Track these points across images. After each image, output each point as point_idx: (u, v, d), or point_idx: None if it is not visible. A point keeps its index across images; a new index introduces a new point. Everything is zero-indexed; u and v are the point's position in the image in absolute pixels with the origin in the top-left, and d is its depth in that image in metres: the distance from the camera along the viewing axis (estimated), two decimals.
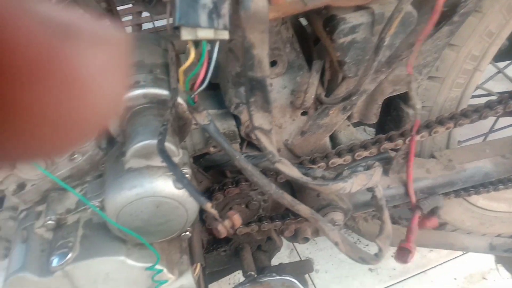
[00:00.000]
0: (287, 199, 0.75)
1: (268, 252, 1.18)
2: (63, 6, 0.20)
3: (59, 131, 0.19)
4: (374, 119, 1.01)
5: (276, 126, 0.94)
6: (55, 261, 0.75)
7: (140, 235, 0.73)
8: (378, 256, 0.78)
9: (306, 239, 1.16)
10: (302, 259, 1.64)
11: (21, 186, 0.83)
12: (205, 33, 0.58)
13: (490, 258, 1.60)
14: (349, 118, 1.03)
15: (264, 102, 0.58)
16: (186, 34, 0.58)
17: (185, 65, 0.62)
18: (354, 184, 0.73)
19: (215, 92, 0.99)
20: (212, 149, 0.89)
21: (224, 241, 1.12)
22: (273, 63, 0.84)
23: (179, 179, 0.64)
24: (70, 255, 0.75)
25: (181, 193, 0.72)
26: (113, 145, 0.88)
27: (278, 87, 0.88)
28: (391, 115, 1.10)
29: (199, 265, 0.85)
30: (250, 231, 1.04)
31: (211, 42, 0.60)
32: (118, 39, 0.22)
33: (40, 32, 0.17)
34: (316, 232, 1.15)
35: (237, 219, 0.67)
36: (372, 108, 0.99)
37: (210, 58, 0.61)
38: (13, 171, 0.81)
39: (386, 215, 0.80)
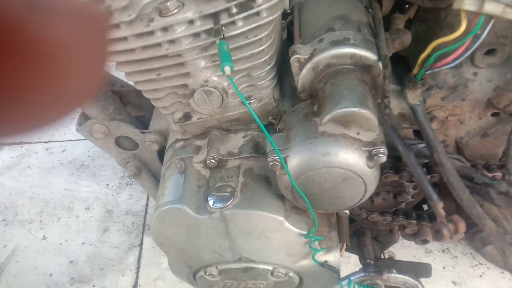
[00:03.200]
0: (477, 210, 0.67)
1: (382, 244, 1.12)
2: None
3: (34, 105, 0.19)
4: None
5: (458, 120, 0.84)
6: (212, 202, 0.73)
7: (309, 202, 0.69)
8: None
9: (426, 241, 1.08)
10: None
11: (187, 116, 0.80)
12: (493, 7, 0.48)
13: None
14: None
15: None
16: (469, 3, 0.49)
17: (445, 38, 0.53)
18: None
19: (394, 65, 0.90)
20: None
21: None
22: (490, 52, 0.73)
23: (412, 167, 0.57)
24: (231, 200, 0.72)
25: (370, 173, 0.66)
26: (283, 100, 0.83)
27: (483, 79, 0.77)
28: None
29: (345, 245, 0.80)
30: (382, 221, 0.97)
31: (487, 18, 0.51)
32: (94, 11, 0.21)
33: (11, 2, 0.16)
34: (437, 237, 1.07)
35: (462, 226, 0.60)
36: None
37: (477, 38, 0.52)
38: (185, 100, 0.77)
39: None
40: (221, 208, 0.71)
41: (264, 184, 0.75)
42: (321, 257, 0.77)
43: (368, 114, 0.62)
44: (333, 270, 0.78)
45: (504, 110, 0.79)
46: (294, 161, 0.66)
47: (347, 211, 0.77)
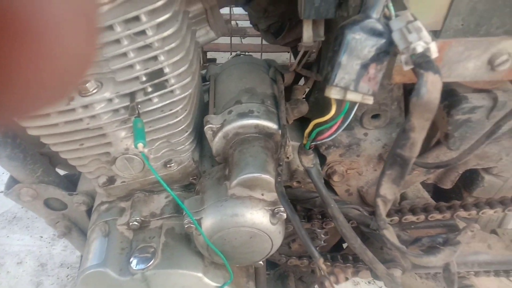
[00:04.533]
0: (368, 256, 0.77)
1: (306, 283, 1.21)
2: None
3: (30, 86, 0.18)
4: (449, 185, 1.03)
5: (357, 173, 0.96)
6: (134, 263, 0.78)
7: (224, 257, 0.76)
8: None
9: (346, 278, 1.18)
10: None
11: (111, 180, 0.85)
12: (353, 96, 0.60)
13: None
14: None
15: (399, 177, 0.60)
16: (335, 93, 0.60)
17: (321, 119, 0.64)
18: (440, 259, 0.75)
19: (301, 124, 1.01)
20: (295, 184, 0.91)
21: (270, 265, 1.14)
22: (375, 116, 0.86)
23: (297, 228, 0.66)
24: (152, 261, 0.77)
25: (274, 229, 0.75)
26: (203, 161, 0.91)
27: (372, 139, 0.90)
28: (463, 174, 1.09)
29: None
30: (300, 264, 1.06)
31: (352, 104, 0.62)
32: None
33: None
34: (355, 274, 1.17)
35: (342, 278, 0.70)
36: (451, 176, 1.00)
37: (346, 118, 0.63)
38: (108, 166, 0.83)
39: None
40: (143, 269, 0.76)
41: (185, 242, 0.82)
42: None
43: (268, 178, 0.72)
44: None
45: None
46: (207, 222, 0.73)
47: (261, 262, 0.85)
